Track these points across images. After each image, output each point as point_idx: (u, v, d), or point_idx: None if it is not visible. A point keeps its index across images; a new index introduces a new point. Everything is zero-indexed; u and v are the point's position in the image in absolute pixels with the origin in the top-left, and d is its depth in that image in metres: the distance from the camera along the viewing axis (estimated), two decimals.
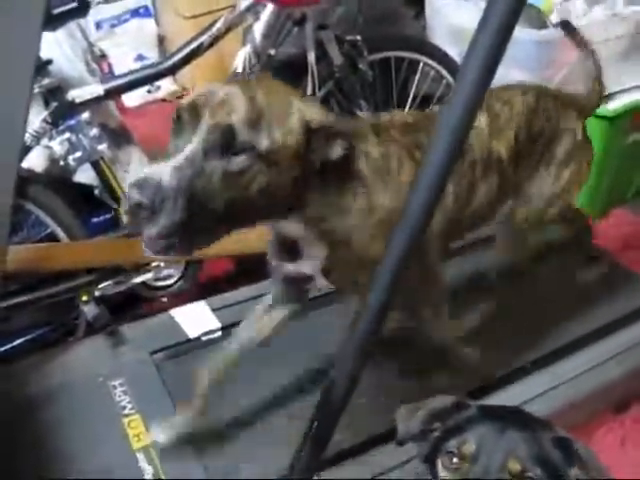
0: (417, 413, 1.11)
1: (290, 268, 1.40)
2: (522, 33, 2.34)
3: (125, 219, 1.05)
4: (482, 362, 1.72)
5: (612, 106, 2.53)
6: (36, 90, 1.84)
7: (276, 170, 1.09)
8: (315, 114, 1.15)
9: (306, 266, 1.37)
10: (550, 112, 1.61)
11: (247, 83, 1.15)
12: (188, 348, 1.90)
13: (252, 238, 1.38)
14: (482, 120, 1.48)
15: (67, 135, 1.96)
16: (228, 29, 2.00)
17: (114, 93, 2.02)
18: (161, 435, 1.59)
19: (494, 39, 0.88)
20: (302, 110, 1.13)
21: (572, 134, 1.65)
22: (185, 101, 1.10)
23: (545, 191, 1.66)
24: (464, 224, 1.53)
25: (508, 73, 2.21)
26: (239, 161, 1.05)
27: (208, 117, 1.05)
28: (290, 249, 1.35)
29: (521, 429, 1.01)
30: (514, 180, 1.58)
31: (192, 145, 1.04)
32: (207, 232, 1.09)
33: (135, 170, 2.18)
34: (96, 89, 1.95)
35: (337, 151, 1.16)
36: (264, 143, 1.06)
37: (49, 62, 1.89)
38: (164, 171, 1.02)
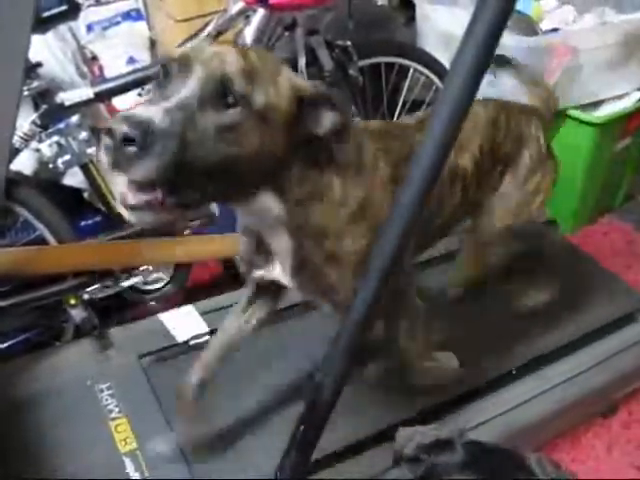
0: (413, 439, 1.10)
1: (261, 274, 1.36)
2: (512, 40, 2.35)
3: (106, 158, 0.91)
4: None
5: (601, 113, 2.56)
6: (26, 93, 1.83)
7: (268, 131, 1.04)
8: (305, 84, 1.11)
9: (277, 272, 1.33)
10: (512, 122, 1.61)
11: (237, 45, 1.09)
12: (176, 352, 1.88)
13: (236, 242, 1.38)
14: None
15: (56, 138, 1.95)
16: (219, 33, 2.01)
17: (104, 96, 2.02)
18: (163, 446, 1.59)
19: (481, 46, 0.89)
20: (292, 78, 1.10)
21: (536, 142, 1.65)
22: (174, 54, 1.03)
23: (511, 202, 1.65)
24: (429, 237, 1.54)
25: (498, 80, 2.22)
26: (234, 113, 0.99)
27: (201, 68, 0.99)
28: (261, 252, 1.32)
29: None
30: (478, 193, 1.58)
31: (185, 91, 0.96)
32: (192, 191, 1.00)
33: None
34: (86, 92, 1.95)
35: (326, 124, 1.11)
36: (259, 98, 1.01)
37: (39, 65, 1.89)
38: (155, 111, 0.92)
